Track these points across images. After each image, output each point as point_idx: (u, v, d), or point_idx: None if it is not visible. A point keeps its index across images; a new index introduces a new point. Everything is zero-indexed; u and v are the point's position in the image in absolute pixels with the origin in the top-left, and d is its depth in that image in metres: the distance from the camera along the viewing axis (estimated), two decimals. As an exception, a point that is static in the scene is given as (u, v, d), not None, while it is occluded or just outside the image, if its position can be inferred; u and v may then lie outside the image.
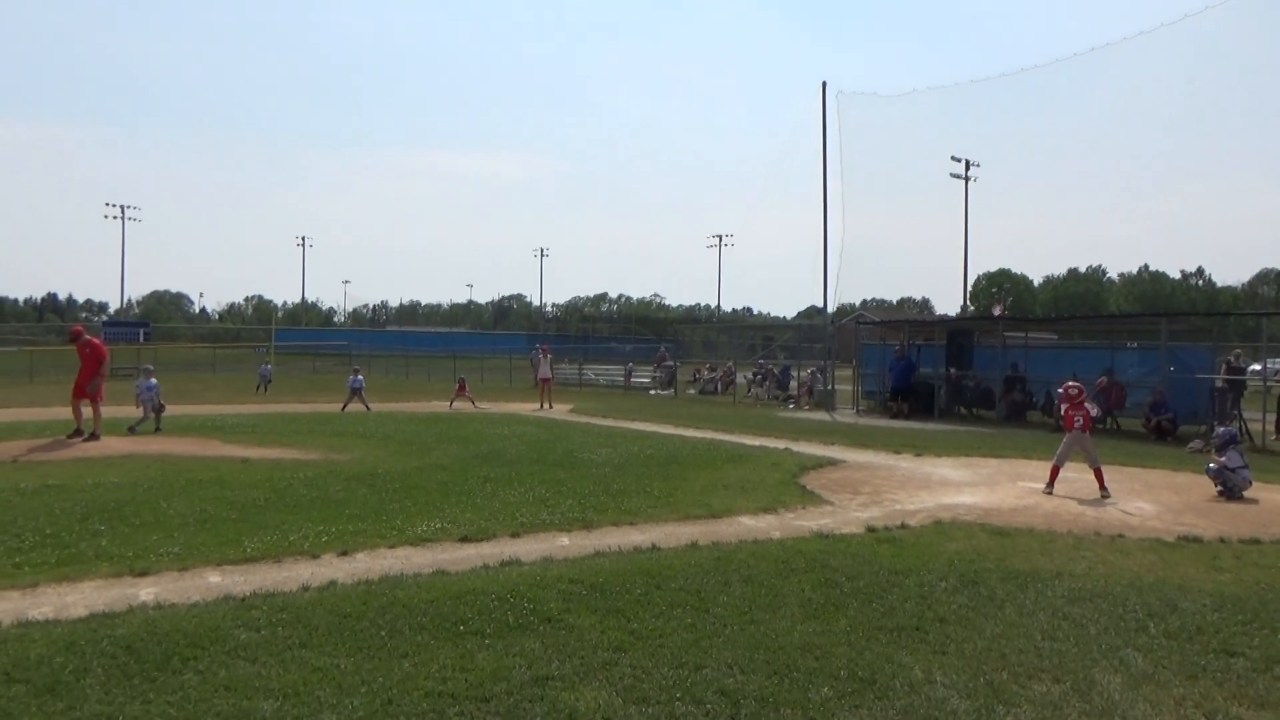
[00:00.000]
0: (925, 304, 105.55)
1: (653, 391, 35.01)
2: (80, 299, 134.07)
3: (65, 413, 15.31)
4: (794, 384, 29.95)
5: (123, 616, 5.38)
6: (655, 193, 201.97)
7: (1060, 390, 11.45)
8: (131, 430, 15.90)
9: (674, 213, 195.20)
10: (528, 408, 25.36)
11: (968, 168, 55.31)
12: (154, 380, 16.98)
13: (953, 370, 24.28)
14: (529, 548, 7.45)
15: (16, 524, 7.99)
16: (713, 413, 24.38)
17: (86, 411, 15.01)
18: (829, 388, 27.25)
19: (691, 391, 34.46)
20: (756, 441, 16.23)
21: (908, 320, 33.79)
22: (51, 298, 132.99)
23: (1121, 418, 20.19)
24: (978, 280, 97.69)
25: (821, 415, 24.24)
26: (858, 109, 28.34)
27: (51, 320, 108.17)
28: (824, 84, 27.79)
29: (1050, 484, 10.73)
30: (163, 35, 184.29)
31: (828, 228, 28.13)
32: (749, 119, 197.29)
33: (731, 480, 11.24)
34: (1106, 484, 10.50)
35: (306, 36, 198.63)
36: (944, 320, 39.10)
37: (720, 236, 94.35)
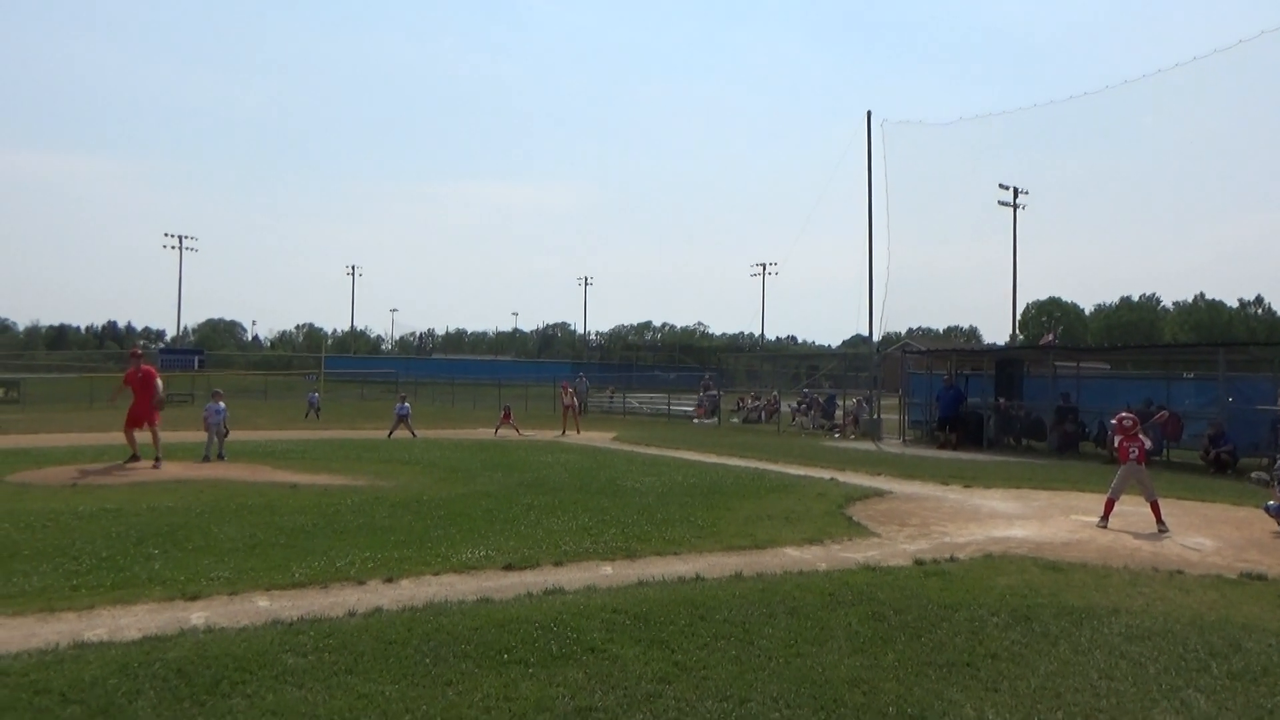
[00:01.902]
0: (973, 333, 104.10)
1: (696, 420, 34.90)
2: (139, 327, 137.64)
3: (124, 438, 15.57)
4: (839, 413, 29.67)
5: (174, 640, 5.46)
6: (699, 221, 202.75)
7: (1114, 421, 11.19)
8: (207, 458, 16.04)
9: (717, 241, 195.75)
10: (570, 435, 25.70)
11: (1016, 195, 54.73)
12: (223, 404, 16.97)
13: (1002, 400, 23.88)
14: (572, 576, 7.44)
15: (74, 547, 8.18)
16: (757, 442, 24.22)
17: (143, 437, 15.28)
18: (875, 417, 26.97)
19: (735, 420, 34.30)
20: (801, 471, 16.09)
21: (955, 349, 33.32)
22: (111, 325, 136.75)
23: (1179, 450, 19.68)
24: (1027, 309, 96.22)
25: (867, 445, 23.96)
26: (903, 137, 28.24)
27: (111, 347, 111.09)
28: (869, 113, 27.79)
29: (1105, 517, 10.47)
30: (219, 72, 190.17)
31: (873, 256, 27.97)
32: (793, 148, 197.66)
33: (776, 510, 11.13)
34: (1164, 518, 10.22)
35: (355, 73, 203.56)
36: (993, 349, 38.50)
37: (764, 265, 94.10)
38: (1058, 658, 5.44)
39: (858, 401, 29.15)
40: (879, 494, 13.13)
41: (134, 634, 5.61)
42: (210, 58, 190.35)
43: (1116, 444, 10.96)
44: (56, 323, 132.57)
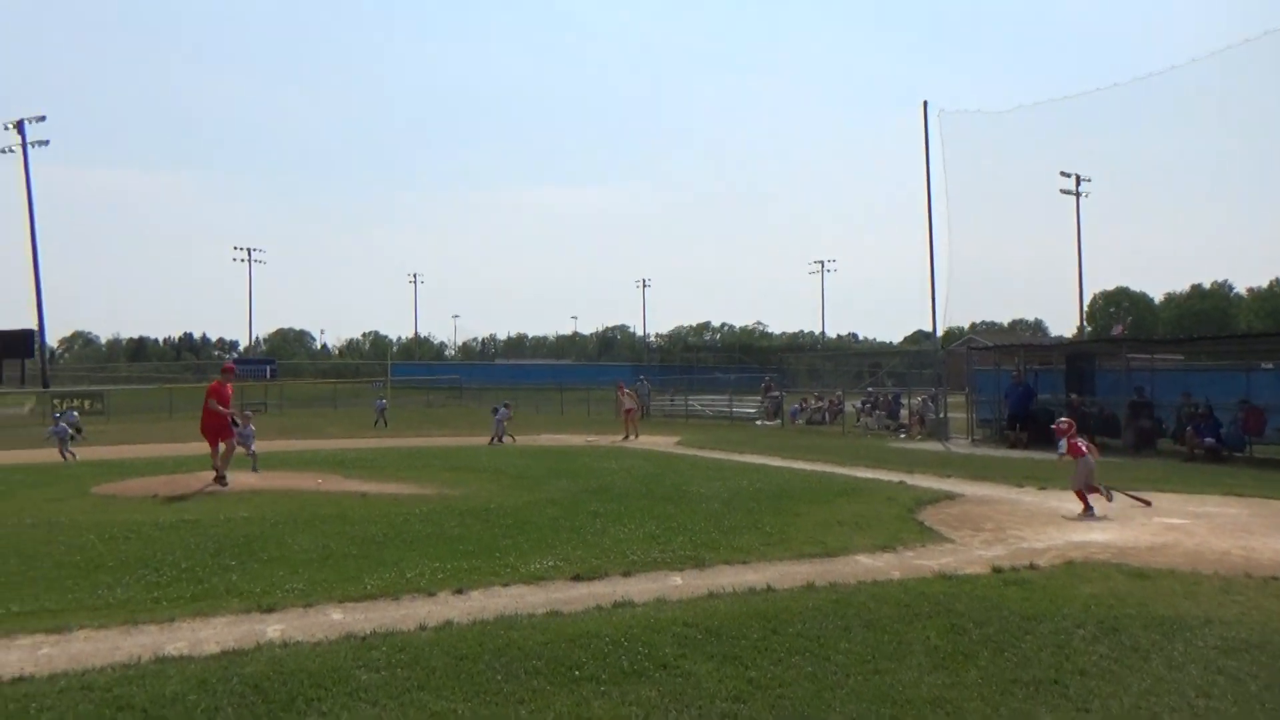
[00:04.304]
0: (1038, 325, 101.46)
1: (759, 422, 34.61)
2: (213, 338, 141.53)
3: (204, 448, 15.45)
4: (905, 413, 29.14)
5: (251, 654, 5.54)
6: (755, 220, 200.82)
7: (1054, 425, 12.15)
8: (255, 469, 16.13)
9: (775, 239, 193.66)
10: (631, 440, 25.72)
11: (1079, 183, 53.28)
12: (252, 427, 16.94)
13: (1074, 396, 23.18)
14: (641, 587, 7.37)
15: (155, 558, 8.40)
16: (822, 443, 23.91)
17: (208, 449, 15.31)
18: (942, 416, 26.41)
19: (799, 422, 33.92)
20: (869, 474, 15.81)
21: (1023, 344, 32.48)
22: (187, 337, 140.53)
23: (1262, 445, 18.89)
24: (1094, 299, 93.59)
25: (935, 445, 23.47)
26: (961, 127, 27.60)
27: (188, 359, 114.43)
28: (925, 103, 27.18)
29: (1087, 508, 10.96)
30: (281, 90, 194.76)
31: (934, 249, 27.40)
32: (849, 142, 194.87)
33: (846, 516, 10.93)
34: (1092, 507, 10.91)
35: (413, 84, 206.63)
36: (1062, 343, 37.47)
37: (822, 262, 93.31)
38: (1150, 674, 5.20)
39: (923, 400, 28.58)
40: (950, 497, 12.81)
41: (212, 647, 5.70)
42: (272, 72, 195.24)
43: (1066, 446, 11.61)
44: (136, 335, 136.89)
